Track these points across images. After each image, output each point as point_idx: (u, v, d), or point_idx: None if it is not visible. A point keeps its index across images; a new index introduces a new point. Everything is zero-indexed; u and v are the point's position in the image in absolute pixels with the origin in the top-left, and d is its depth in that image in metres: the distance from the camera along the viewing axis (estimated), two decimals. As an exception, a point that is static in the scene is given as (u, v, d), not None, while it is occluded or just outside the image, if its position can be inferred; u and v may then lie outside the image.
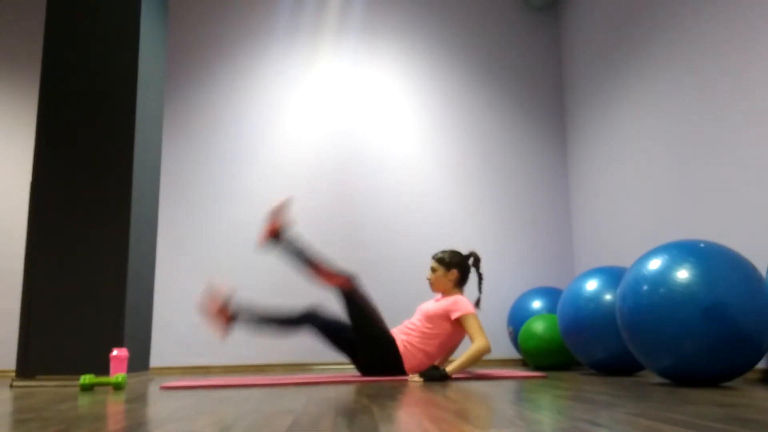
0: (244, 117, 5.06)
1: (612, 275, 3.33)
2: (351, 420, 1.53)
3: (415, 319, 3.42)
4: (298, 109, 5.09)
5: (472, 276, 4.90)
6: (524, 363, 4.84)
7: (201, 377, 3.77)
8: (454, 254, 3.48)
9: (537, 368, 3.99)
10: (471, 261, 3.51)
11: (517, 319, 4.40)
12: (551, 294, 4.39)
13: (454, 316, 3.28)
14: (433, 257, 3.51)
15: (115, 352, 3.10)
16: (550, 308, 4.29)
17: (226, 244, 4.86)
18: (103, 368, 3.39)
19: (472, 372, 3.53)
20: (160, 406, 2.00)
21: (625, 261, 4.23)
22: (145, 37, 3.85)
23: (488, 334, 4.87)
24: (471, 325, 3.23)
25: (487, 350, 3.15)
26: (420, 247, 4.95)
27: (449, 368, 3.07)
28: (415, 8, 5.31)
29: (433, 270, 3.47)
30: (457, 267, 3.45)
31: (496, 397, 2.06)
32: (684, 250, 2.56)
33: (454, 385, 2.73)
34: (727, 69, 3.24)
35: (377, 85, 5.17)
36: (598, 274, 3.36)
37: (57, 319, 3.42)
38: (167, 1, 4.31)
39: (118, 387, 2.89)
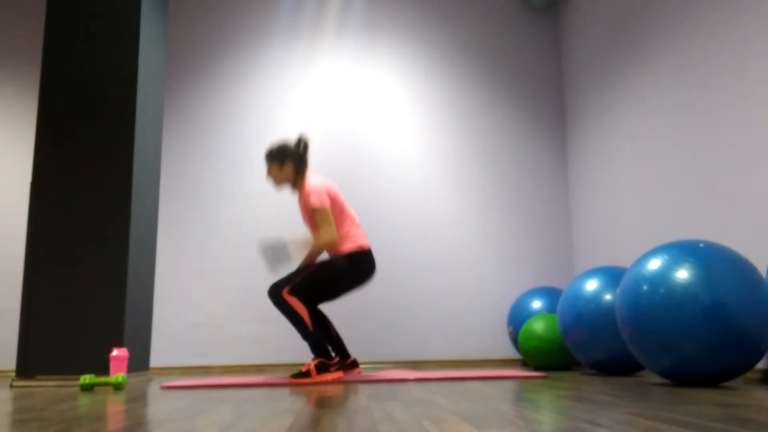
0: (244, 117, 5.06)
1: (612, 275, 3.33)
2: (351, 420, 1.53)
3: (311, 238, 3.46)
4: (298, 109, 5.09)
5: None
6: (524, 363, 4.84)
7: (201, 377, 3.77)
8: (282, 146, 3.44)
9: (537, 368, 3.99)
10: (301, 146, 3.47)
11: (517, 319, 4.40)
12: (551, 294, 4.39)
13: (311, 207, 3.31)
14: (264, 156, 3.48)
15: (115, 352, 3.10)
16: (550, 308, 4.29)
17: (226, 243, 4.86)
18: (103, 368, 3.39)
19: (472, 372, 3.53)
20: (160, 406, 2.00)
21: (625, 261, 4.23)
22: (145, 37, 3.85)
23: (488, 334, 4.87)
24: (317, 219, 3.28)
25: (329, 243, 3.22)
26: (420, 247, 4.95)
27: (303, 257, 3.21)
28: (415, 8, 5.31)
29: (269, 170, 3.46)
30: (289, 157, 3.43)
31: (496, 397, 2.06)
32: (684, 250, 2.56)
33: (454, 385, 2.73)
34: (726, 68, 3.24)
35: (377, 84, 5.17)
36: (598, 274, 3.36)
37: (57, 319, 3.42)
38: (167, 1, 4.31)
39: (118, 387, 2.89)
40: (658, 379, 2.91)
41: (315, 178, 3.42)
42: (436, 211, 5.02)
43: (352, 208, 3.41)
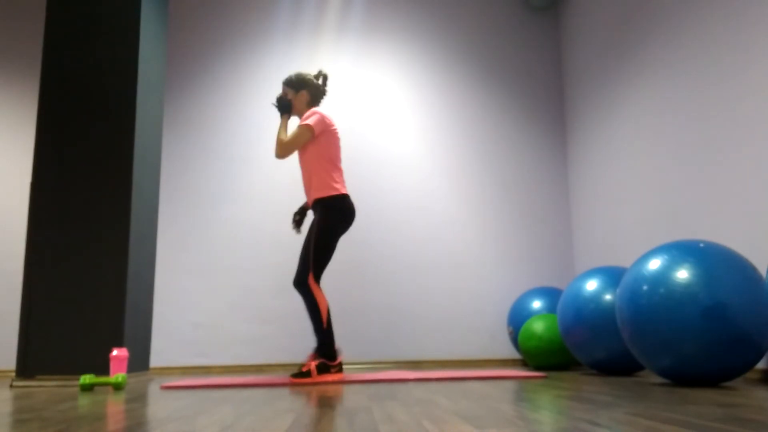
0: (244, 117, 5.06)
1: (612, 275, 3.33)
2: (351, 420, 1.53)
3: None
4: (298, 109, 5.09)
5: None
6: (524, 363, 4.84)
7: (201, 377, 3.77)
8: (301, 75, 3.46)
9: (537, 368, 3.99)
10: (321, 79, 3.48)
11: (517, 319, 4.40)
12: (551, 294, 4.39)
13: (301, 121, 3.32)
14: (282, 82, 3.51)
15: (115, 352, 3.10)
16: (550, 308, 4.29)
17: (226, 243, 4.86)
18: (103, 368, 3.39)
19: (472, 372, 3.53)
20: (160, 406, 2.00)
21: (625, 261, 4.23)
22: (145, 37, 3.84)
23: (488, 334, 4.86)
24: (297, 130, 3.28)
25: (279, 150, 3.26)
26: (420, 247, 4.95)
27: (282, 124, 3.35)
28: (415, 8, 5.31)
29: (285, 95, 3.46)
30: (306, 87, 3.44)
31: (496, 397, 2.06)
32: (684, 250, 2.56)
33: (454, 385, 2.73)
34: (726, 69, 3.24)
35: (377, 84, 5.17)
36: (598, 274, 3.36)
37: (57, 319, 3.42)
38: (167, 1, 4.31)
39: (118, 387, 2.89)
40: (658, 379, 2.91)
41: (326, 111, 3.39)
42: (436, 211, 5.02)
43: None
